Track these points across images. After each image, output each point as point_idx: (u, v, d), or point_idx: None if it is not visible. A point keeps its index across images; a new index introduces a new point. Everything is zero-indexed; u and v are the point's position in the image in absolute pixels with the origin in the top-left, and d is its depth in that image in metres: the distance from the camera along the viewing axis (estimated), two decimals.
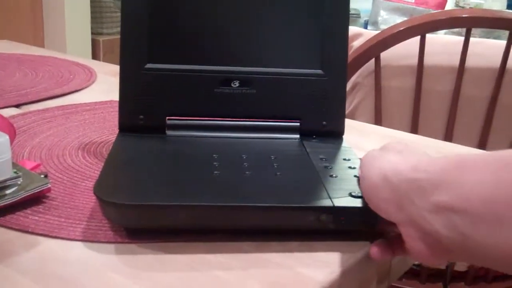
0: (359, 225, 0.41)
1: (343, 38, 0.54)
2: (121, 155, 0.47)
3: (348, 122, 0.77)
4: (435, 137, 0.69)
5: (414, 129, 1.06)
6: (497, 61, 1.00)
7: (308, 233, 0.41)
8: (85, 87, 0.81)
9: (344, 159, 0.48)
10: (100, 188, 0.40)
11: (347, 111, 1.17)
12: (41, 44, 2.31)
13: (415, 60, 1.02)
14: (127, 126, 0.52)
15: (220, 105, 0.53)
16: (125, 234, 0.41)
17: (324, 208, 0.39)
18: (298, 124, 0.54)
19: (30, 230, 0.41)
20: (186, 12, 0.52)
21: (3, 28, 2.15)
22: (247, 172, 0.44)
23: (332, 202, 0.39)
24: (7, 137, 0.42)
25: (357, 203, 0.40)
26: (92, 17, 2.37)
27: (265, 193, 0.41)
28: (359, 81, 1.10)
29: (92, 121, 0.66)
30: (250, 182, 0.43)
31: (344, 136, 0.55)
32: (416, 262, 1.18)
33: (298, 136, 0.53)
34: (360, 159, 0.44)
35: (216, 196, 0.40)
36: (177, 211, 0.39)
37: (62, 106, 0.70)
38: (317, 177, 0.44)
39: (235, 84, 0.53)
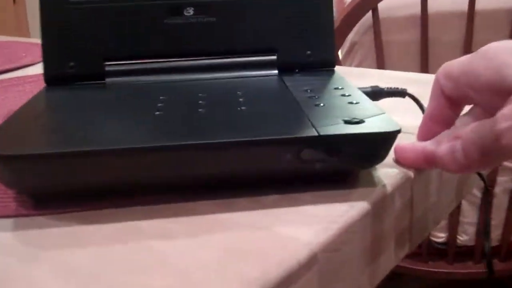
0: (360, 162, 0.29)
1: None
2: (33, 107, 0.35)
3: (341, 68, 0.65)
4: None
5: None
6: (510, 1, 0.88)
7: (289, 183, 0.29)
8: (37, 63, 0.70)
9: (336, 88, 0.36)
10: None
11: None
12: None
13: (417, 9, 0.90)
14: (54, 76, 0.40)
15: (172, 41, 0.41)
16: (32, 205, 0.29)
17: (306, 139, 0.27)
18: (275, 57, 0.42)
19: None
20: None
21: None
22: (200, 110, 0.32)
23: (317, 130, 0.27)
24: None
25: (355, 129, 0.28)
26: None
27: (222, 128, 0.29)
28: (356, 40, 0.98)
29: (34, 91, 0.54)
30: (202, 118, 0.31)
31: (336, 69, 0.42)
32: (441, 241, 1.05)
33: (276, 72, 0.41)
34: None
35: (149, 137, 0.28)
36: (90, 161, 0.27)
37: (3, 80, 0.59)
38: (297, 107, 0.32)
39: (188, 12, 0.41)
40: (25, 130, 0.30)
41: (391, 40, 0.94)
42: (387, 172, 0.31)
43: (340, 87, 0.36)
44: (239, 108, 0.32)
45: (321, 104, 0.32)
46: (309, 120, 0.29)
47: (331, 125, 0.28)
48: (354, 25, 0.93)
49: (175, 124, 0.30)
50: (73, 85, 0.40)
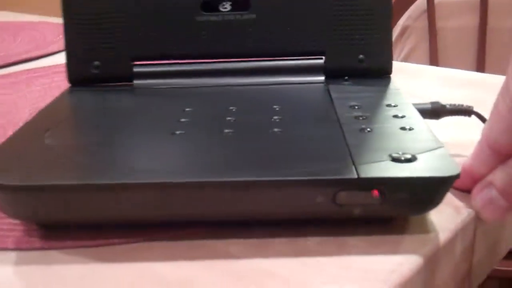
0: (408, 209, 0.24)
1: None
2: (50, 117, 0.32)
3: (395, 64, 0.59)
4: None
5: None
6: None
7: (330, 222, 0.25)
8: None
9: (388, 105, 0.31)
10: None
11: (396, 61, 0.99)
12: None
13: None
14: (78, 76, 0.37)
15: (206, 40, 0.37)
16: (43, 234, 0.26)
17: (341, 181, 0.23)
18: (322, 60, 0.37)
19: None
20: None
21: None
22: (227, 130, 0.28)
23: (357, 170, 0.23)
24: None
25: (403, 171, 0.23)
26: None
27: (242, 161, 0.25)
28: (409, 24, 0.91)
29: (61, 85, 0.51)
30: (226, 144, 0.27)
31: (392, 77, 0.38)
32: None
33: (322, 78, 0.37)
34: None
35: (165, 169, 0.25)
36: (112, 195, 0.23)
37: (29, 70, 0.56)
38: (338, 132, 0.27)
39: (225, 8, 0.37)
40: (37, 150, 0.27)
41: (446, 26, 0.88)
42: (444, 214, 0.26)
43: (393, 104, 0.31)
44: (270, 131, 0.28)
45: (368, 129, 0.28)
46: (350, 154, 0.25)
47: (375, 162, 0.24)
48: (406, 9, 0.87)
49: (189, 152, 0.26)
50: (99, 87, 0.37)
